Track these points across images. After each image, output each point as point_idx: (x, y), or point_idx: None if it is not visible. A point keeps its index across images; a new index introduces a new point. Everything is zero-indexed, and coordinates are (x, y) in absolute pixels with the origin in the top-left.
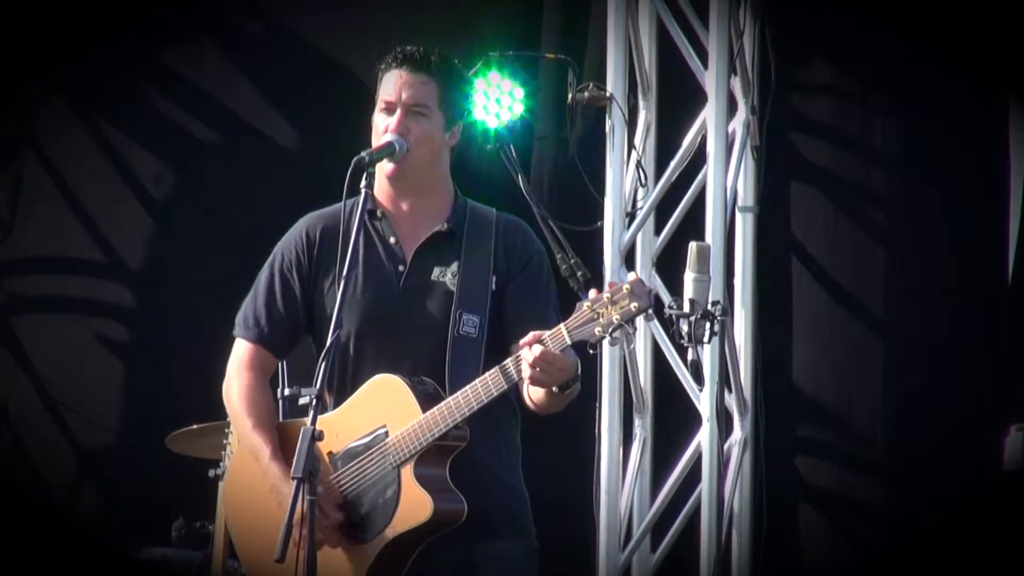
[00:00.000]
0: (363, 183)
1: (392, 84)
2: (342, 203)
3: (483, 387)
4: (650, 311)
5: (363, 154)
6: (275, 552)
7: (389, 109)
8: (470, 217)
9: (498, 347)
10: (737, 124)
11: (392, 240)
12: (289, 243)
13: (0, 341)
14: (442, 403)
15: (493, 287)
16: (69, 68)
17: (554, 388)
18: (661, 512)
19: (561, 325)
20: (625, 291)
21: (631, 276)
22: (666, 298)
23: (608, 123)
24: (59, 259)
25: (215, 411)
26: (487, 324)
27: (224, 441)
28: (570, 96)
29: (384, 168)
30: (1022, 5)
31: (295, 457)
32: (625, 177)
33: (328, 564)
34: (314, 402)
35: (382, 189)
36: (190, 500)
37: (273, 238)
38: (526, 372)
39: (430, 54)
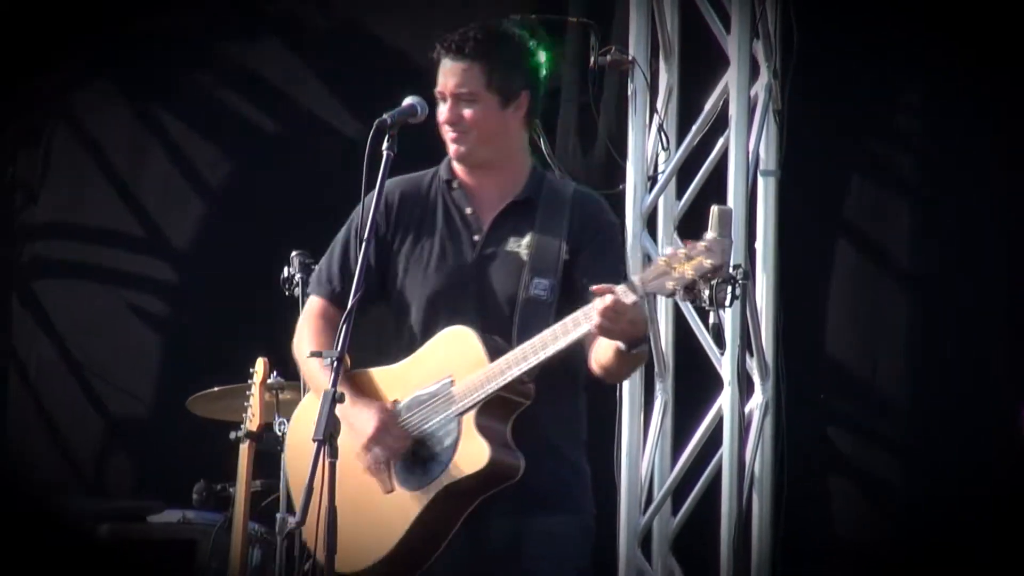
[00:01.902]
0: (385, 145)
1: (441, 74)
2: (424, 173)
3: (551, 336)
4: (726, 268)
5: (384, 116)
6: (318, 509)
7: (441, 98)
8: (546, 189)
9: (569, 314)
10: (759, 88)
11: (468, 210)
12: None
13: (22, 304)
14: (509, 352)
15: (565, 256)
16: (116, 48)
17: (622, 346)
18: (682, 476)
19: (634, 276)
20: (701, 247)
21: (709, 235)
22: None
23: (630, 87)
24: (80, 227)
25: (236, 374)
26: (558, 288)
27: (245, 403)
28: (592, 60)
29: (449, 149)
30: None
31: (316, 419)
32: (647, 141)
33: (381, 511)
34: (335, 365)
35: (457, 164)
36: (212, 463)
37: (325, 230)
38: (595, 320)
39: (469, 38)
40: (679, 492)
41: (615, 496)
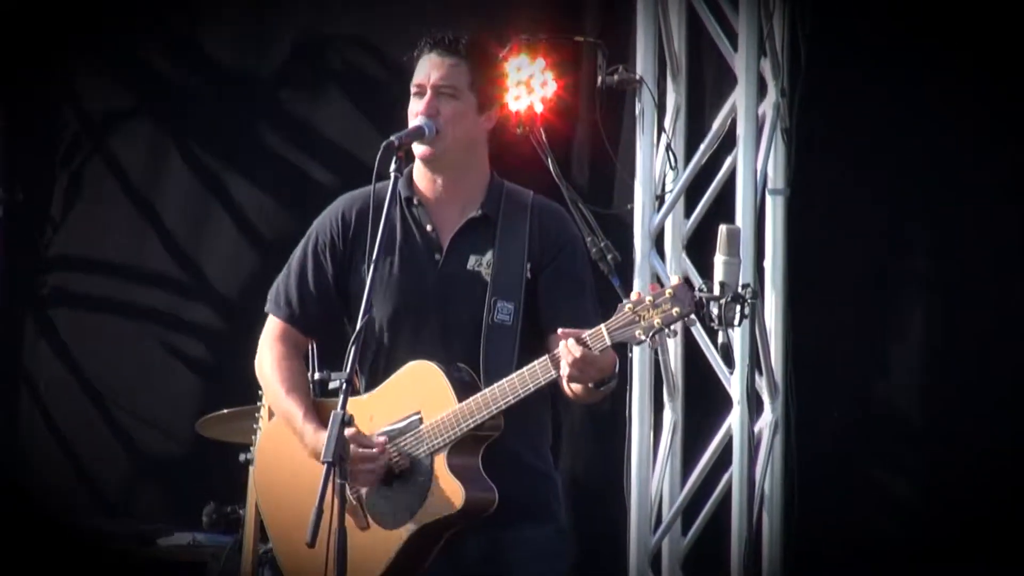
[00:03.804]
0: (392, 167)
1: (423, 68)
2: (381, 184)
3: (520, 381)
4: (692, 316)
5: (392, 138)
6: (306, 535)
7: (420, 92)
8: (505, 201)
9: (533, 334)
10: (767, 106)
11: (428, 228)
12: (324, 224)
13: (40, 333)
14: (479, 394)
15: (528, 274)
16: (166, 93)
17: (591, 384)
18: (692, 495)
19: (602, 326)
20: (668, 295)
21: (674, 280)
22: (696, 281)
23: (638, 106)
24: (100, 260)
25: (246, 396)
26: (522, 311)
27: (255, 426)
28: (600, 79)
29: (419, 151)
30: None
31: (325, 440)
32: (655, 160)
33: (357, 548)
34: (344, 386)
35: (420, 174)
36: (221, 485)
37: None
38: (565, 370)
39: (460, 37)
40: (689, 512)
41: (625, 516)
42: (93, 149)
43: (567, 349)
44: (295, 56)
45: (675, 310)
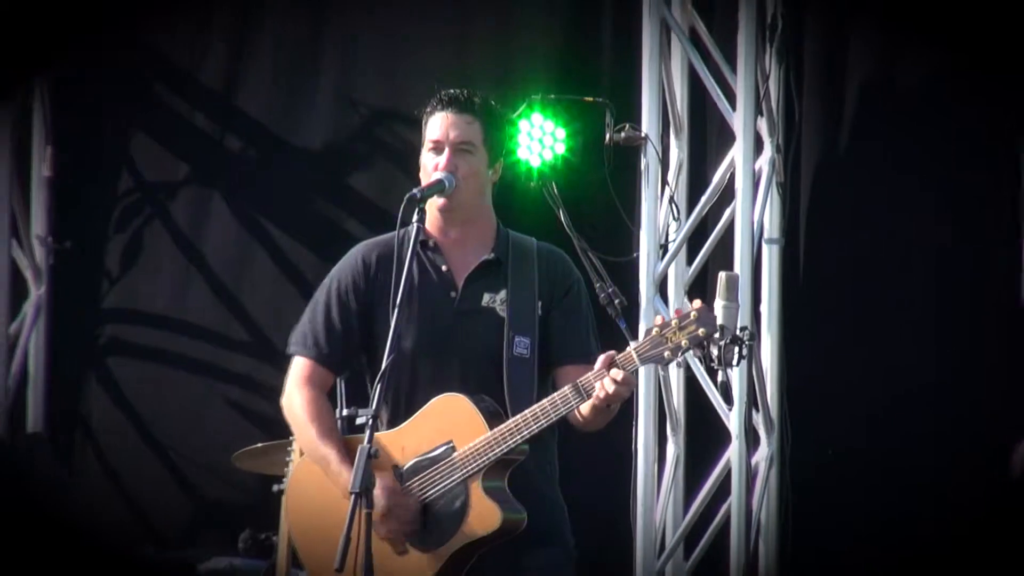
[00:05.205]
0: (415, 218)
1: (439, 125)
2: (395, 233)
3: (551, 406)
4: (716, 335)
5: (415, 191)
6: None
7: (437, 148)
8: (513, 246)
9: (545, 368)
10: (763, 162)
11: (444, 267)
12: (345, 269)
13: (97, 380)
14: (510, 420)
15: (540, 312)
16: (213, 157)
17: (609, 406)
18: (693, 523)
19: (631, 350)
20: (692, 317)
21: (697, 303)
22: None
23: (643, 161)
24: (150, 313)
25: (278, 430)
26: (537, 345)
27: (287, 459)
28: (607, 136)
29: (436, 202)
30: None
31: (352, 472)
32: (659, 211)
33: (394, 571)
34: (371, 422)
35: (433, 221)
36: (256, 513)
37: None
38: (609, 388)
39: (474, 96)
40: (691, 538)
41: (632, 541)
42: (151, 214)
43: (609, 376)
44: (335, 122)
45: (701, 330)
